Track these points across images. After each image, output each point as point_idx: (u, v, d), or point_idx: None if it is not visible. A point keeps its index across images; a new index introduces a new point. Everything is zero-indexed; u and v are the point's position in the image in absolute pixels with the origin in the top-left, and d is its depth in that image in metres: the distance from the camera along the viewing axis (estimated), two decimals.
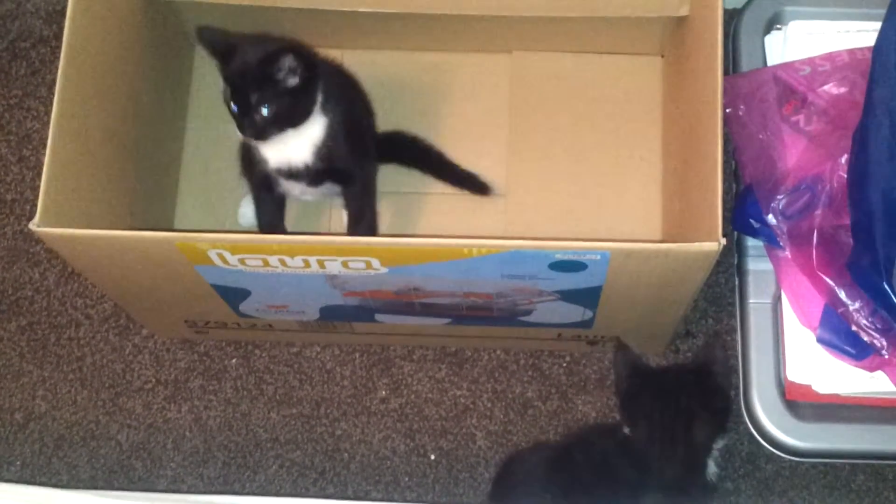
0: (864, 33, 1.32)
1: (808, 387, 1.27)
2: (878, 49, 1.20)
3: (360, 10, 1.27)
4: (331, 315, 1.25)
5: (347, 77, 1.33)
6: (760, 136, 1.29)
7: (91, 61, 1.13)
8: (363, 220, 1.28)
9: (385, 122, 1.36)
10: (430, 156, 1.36)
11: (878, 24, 1.22)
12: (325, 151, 1.21)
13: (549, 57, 1.41)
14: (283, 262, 1.06)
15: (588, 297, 1.13)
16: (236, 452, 1.36)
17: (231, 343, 1.39)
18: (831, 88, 1.28)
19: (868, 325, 1.21)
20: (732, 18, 1.40)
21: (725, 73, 1.10)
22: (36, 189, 1.05)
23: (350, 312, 1.23)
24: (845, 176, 1.21)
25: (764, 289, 1.30)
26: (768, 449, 1.29)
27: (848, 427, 1.27)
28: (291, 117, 1.17)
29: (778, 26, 1.38)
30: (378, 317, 1.25)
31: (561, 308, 1.17)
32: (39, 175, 1.04)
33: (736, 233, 1.33)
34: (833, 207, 1.21)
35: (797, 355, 1.27)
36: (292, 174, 1.22)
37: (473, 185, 1.35)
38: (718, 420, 1.15)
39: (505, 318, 1.23)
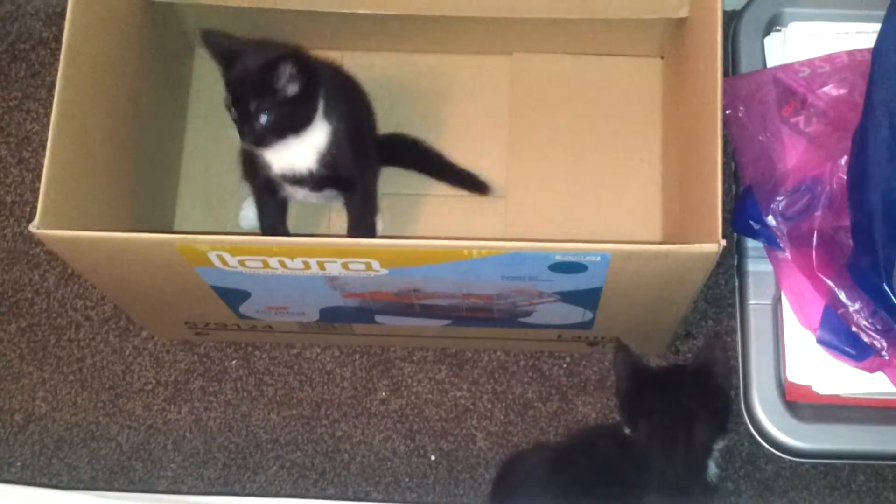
0: (863, 35, 1.32)
1: (809, 387, 1.27)
2: (877, 50, 1.20)
3: (360, 11, 1.27)
4: (331, 316, 1.25)
5: (349, 80, 1.33)
6: (760, 138, 1.29)
7: (91, 63, 1.13)
8: (363, 225, 1.29)
9: (385, 123, 1.36)
10: (429, 157, 1.36)
11: (877, 26, 1.22)
12: (329, 158, 1.21)
13: (549, 58, 1.41)
14: (282, 264, 1.06)
15: (588, 298, 1.13)
16: (236, 453, 1.36)
17: (231, 344, 1.39)
18: (831, 90, 1.28)
19: (868, 326, 1.21)
20: (732, 20, 1.40)
21: (725, 74, 1.10)
22: (36, 191, 1.06)
23: (350, 314, 1.23)
24: (845, 177, 1.21)
25: (764, 290, 1.30)
26: (768, 449, 1.29)
27: (848, 428, 1.27)
28: (291, 125, 1.17)
29: (777, 28, 1.38)
30: (378, 318, 1.25)
31: (561, 309, 1.17)
32: (39, 177, 1.04)
33: (736, 234, 1.33)
34: (833, 209, 1.21)
35: (797, 356, 1.27)
36: (296, 180, 1.22)
37: (473, 184, 1.35)
38: (719, 421, 1.15)
39: (505, 319, 1.23)
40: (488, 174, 1.36)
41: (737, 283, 1.34)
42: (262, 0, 1.28)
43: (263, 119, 1.14)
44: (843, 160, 1.21)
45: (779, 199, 1.25)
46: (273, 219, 1.29)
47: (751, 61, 1.37)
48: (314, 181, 1.23)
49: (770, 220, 1.25)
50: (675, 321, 1.23)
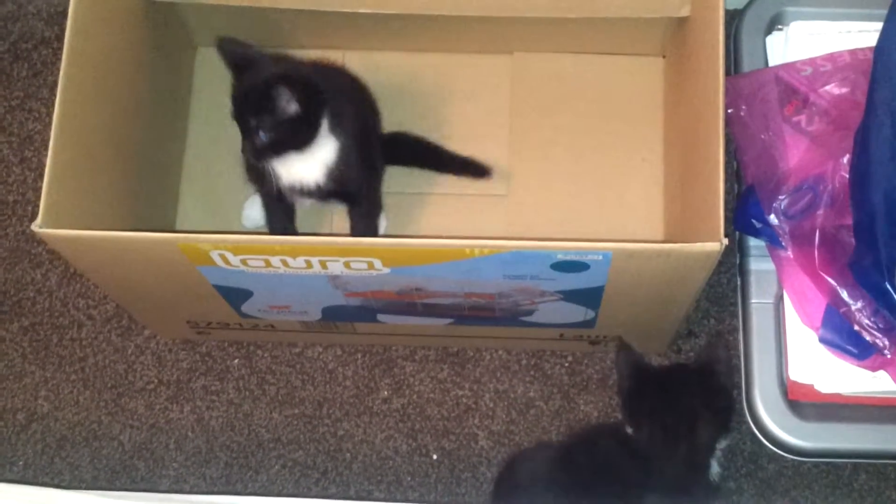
0: (865, 34, 1.32)
1: (811, 386, 1.27)
2: (879, 49, 1.20)
3: (361, 11, 1.27)
4: (333, 315, 1.25)
5: (354, 83, 1.32)
6: (762, 137, 1.29)
7: (93, 63, 1.13)
8: (366, 227, 1.29)
9: (386, 123, 1.36)
10: (429, 151, 1.36)
11: (879, 25, 1.22)
12: (337, 173, 1.21)
13: (550, 58, 1.41)
14: (285, 263, 1.06)
15: (590, 297, 1.13)
16: (238, 452, 1.36)
17: (233, 343, 1.39)
18: (833, 89, 1.28)
19: (870, 324, 1.21)
20: (734, 19, 1.40)
21: (727, 73, 1.10)
22: (38, 190, 1.05)
23: (352, 313, 1.23)
24: (847, 176, 1.21)
25: (766, 289, 1.30)
26: (770, 448, 1.29)
27: (850, 427, 1.27)
28: (291, 143, 1.17)
29: (779, 27, 1.38)
30: (380, 317, 1.25)
31: (563, 308, 1.17)
32: (41, 176, 1.04)
33: (738, 233, 1.33)
34: (835, 207, 1.21)
35: (799, 355, 1.27)
36: (304, 192, 1.23)
37: (475, 169, 1.35)
38: (721, 420, 1.15)
39: (507, 318, 1.23)
40: None
41: (739, 282, 1.34)
42: None
43: (262, 136, 1.14)
44: (845, 159, 1.21)
45: (781, 197, 1.25)
46: (282, 223, 1.29)
47: (752, 60, 1.37)
48: (321, 194, 1.23)
49: (772, 218, 1.25)
50: (677, 320, 1.23)
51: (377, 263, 1.05)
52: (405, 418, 1.36)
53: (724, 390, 1.16)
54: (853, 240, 1.19)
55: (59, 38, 1.45)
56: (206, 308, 1.24)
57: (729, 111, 1.30)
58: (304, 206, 1.30)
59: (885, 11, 1.21)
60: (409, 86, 1.41)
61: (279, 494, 1.34)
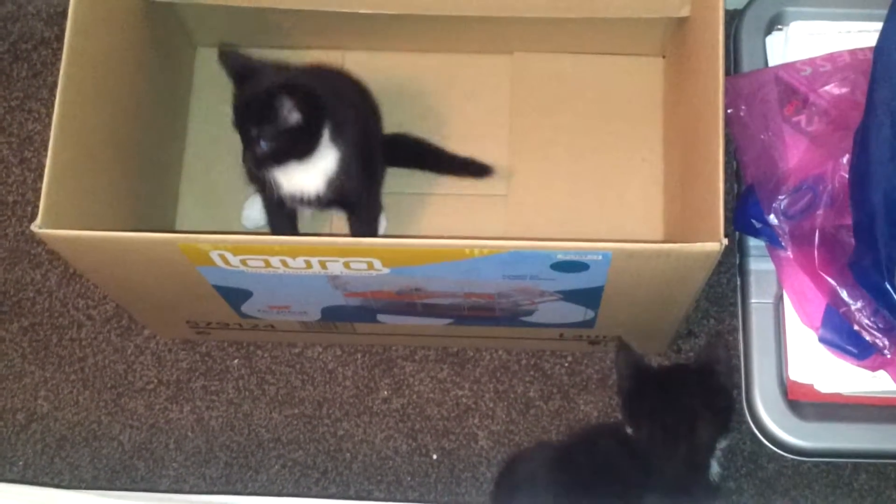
0: (865, 34, 1.32)
1: (810, 386, 1.27)
2: (879, 49, 1.20)
3: (361, 11, 1.27)
4: (332, 315, 1.25)
5: (354, 89, 1.32)
6: (762, 137, 1.29)
7: (92, 63, 1.13)
8: (365, 230, 1.29)
9: (386, 123, 1.36)
10: (429, 152, 1.36)
11: (879, 25, 1.22)
12: (338, 183, 1.21)
13: (550, 58, 1.41)
14: (284, 263, 1.06)
15: (590, 297, 1.13)
16: (238, 452, 1.36)
17: (233, 343, 1.39)
18: (833, 89, 1.28)
19: (870, 324, 1.21)
20: (733, 19, 1.40)
21: (727, 73, 1.10)
22: (37, 191, 1.05)
23: (352, 313, 1.23)
24: (847, 176, 1.21)
25: (766, 289, 1.30)
26: (770, 448, 1.29)
27: (850, 426, 1.27)
28: (292, 152, 1.17)
29: (779, 27, 1.38)
30: (380, 317, 1.25)
31: (563, 308, 1.17)
32: (41, 177, 1.04)
33: (737, 233, 1.33)
34: (835, 207, 1.21)
35: (799, 355, 1.27)
36: (304, 201, 1.23)
37: (475, 169, 1.35)
38: (721, 420, 1.15)
39: (507, 318, 1.23)
40: None
41: (738, 282, 1.34)
42: None
43: (263, 145, 1.14)
44: (845, 159, 1.21)
45: (780, 197, 1.25)
46: (284, 227, 1.29)
47: (752, 60, 1.37)
48: (321, 202, 1.23)
49: (772, 218, 1.25)
50: (677, 320, 1.23)
51: (377, 263, 1.05)
52: (405, 418, 1.36)
53: (723, 390, 1.16)
54: (853, 240, 1.19)
55: (59, 38, 1.45)
56: (205, 308, 1.24)
57: (729, 111, 1.30)
58: (304, 214, 1.31)
59: (884, 11, 1.21)
60: (409, 86, 1.41)
61: (279, 494, 1.34)
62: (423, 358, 1.38)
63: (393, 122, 1.37)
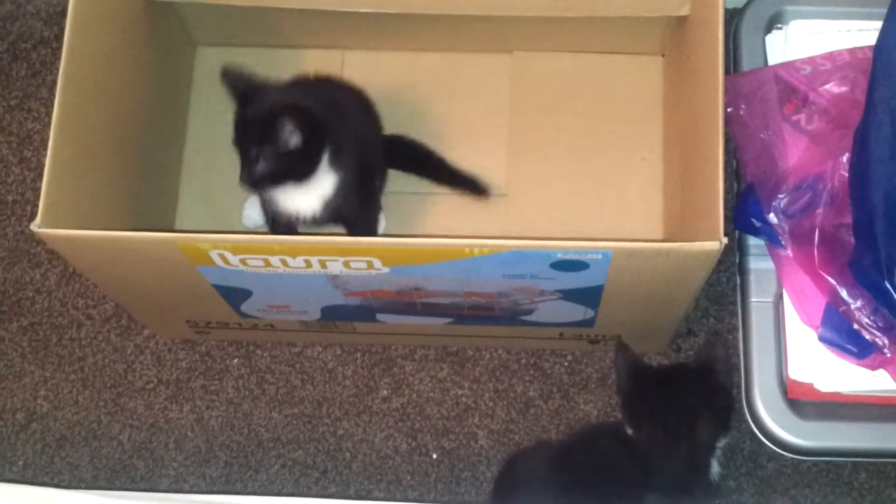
0: (865, 32, 1.32)
1: (810, 385, 1.27)
2: (879, 48, 1.20)
3: (361, 10, 1.27)
4: (332, 315, 1.25)
5: (355, 98, 1.31)
6: (762, 136, 1.29)
7: (92, 62, 1.13)
8: (364, 230, 1.29)
9: (386, 123, 1.36)
10: (430, 160, 1.36)
11: (879, 24, 1.22)
12: (335, 205, 1.21)
13: (549, 57, 1.41)
14: (284, 263, 1.06)
15: (589, 296, 1.13)
16: (238, 452, 1.36)
17: (232, 343, 1.39)
18: (832, 87, 1.28)
19: (870, 323, 1.21)
20: (733, 18, 1.40)
21: (726, 72, 1.10)
22: (37, 190, 1.05)
23: (351, 312, 1.23)
24: (846, 175, 1.21)
25: (765, 287, 1.30)
26: (770, 447, 1.29)
27: (850, 425, 1.27)
28: (291, 174, 1.17)
29: (779, 25, 1.38)
30: (379, 316, 1.25)
31: (562, 307, 1.17)
32: (40, 176, 1.04)
33: (737, 232, 1.33)
34: (834, 206, 1.21)
35: (799, 354, 1.27)
36: (300, 220, 1.22)
37: (473, 187, 1.34)
38: (721, 418, 1.15)
39: (506, 317, 1.23)
40: (489, 172, 1.36)
41: (738, 281, 1.34)
42: None
43: (261, 166, 1.14)
44: (845, 158, 1.21)
45: (780, 196, 1.25)
46: (284, 232, 1.29)
47: (752, 59, 1.37)
48: (318, 222, 1.23)
49: (772, 217, 1.25)
50: (677, 319, 1.23)
51: (376, 263, 1.05)
52: (405, 417, 1.36)
53: (723, 389, 1.16)
54: (853, 239, 1.19)
55: (59, 37, 1.44)
56: (205, 308, 1.24)
57: (728, 110, 1.30)
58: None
59: (884, 10, 1.21)
60: (409, 85, 1.41)
61: (279, 494, 1.34)
62: (422, 357, 1.37)
63: (393, 121, 1.37)
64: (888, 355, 1.21)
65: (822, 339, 1.24)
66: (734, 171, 1.38)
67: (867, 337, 1.21)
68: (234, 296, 1.18)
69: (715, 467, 1.15)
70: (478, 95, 1.41)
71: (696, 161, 1.14)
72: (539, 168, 1.38)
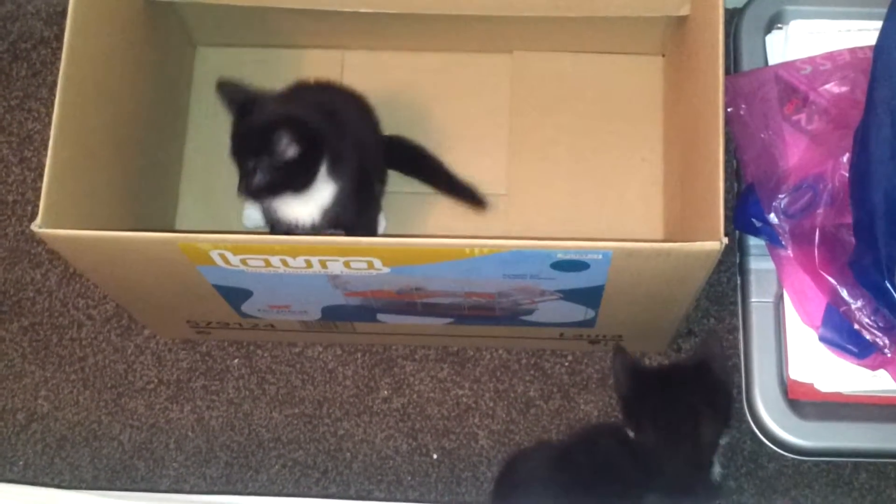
0: (865, 32, 1.32)
1: (811, 385, 1.27)
2: (879, 48, 1.20)
3: (361, 10, 1.27)
4: (333, 315, 1.25)
5: (354, 103, 1.31)
6: (762, 136, 1.29)
7: (92, 62, 1.13)
8: (364, 230, 1.29)
9: (386, 123, 1.36)
10: (429, 166, 1.35)
11: (879, 23, 1.22)
12: (333, 214, 1.21)
13: (549, 57, 1.41)
14: (285, 263, 1.06)
15: (590, 296, 1.13)
16: (238, 452, 1.36)
17: (233, 343, 1.39)
18: (832, 87, 1.28)
19: (870, 323, 1.21)
20: (733, 17, 1.40)
21: (726, 72, 1.10)
22: (37, 190, 1.05)
23: (352, 312, 1.23)
24: (847, 175, 1.21)
25: (766, 288, 1.30)
26: (771, 447, 1.29)
27: (850, 425, 1.27)
28: (288, 185, 1.16)
29: (779, 25, 1.38)
30: (380, 316, 1.25)
31: (563, 307, 1.17)
32: (41, 176, 1.04)
33: (738, 232, 1.33)
34: (835, 206, 1.21)
35: (799, 354, 1.27)
36: (299, 228, 1.22)
37: (471, 198, 1.33)
38: (722, 416, 1.15)
39: (507, 317, 1.23)
40: (489, 172, 1.36)
41: (739, 281, 1.34)
42: None
43: (259, 178, 1.14)
44: (845, 158, 1.21)
45: (781, 196, 1.25)
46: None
47: (752, 59, 1.37)
48: (317, 230, 1.23)
49: (772, 217, 1.25)
50: (677, 319, 1.23)
51: (377, 263, 1.05)
52: (405, 418, 1.36)
53: (722, 386, 1.16)
54: (853, 239, 1.19)
55: (59, 37, 1.44)
56: (205, 308, 1.24)
57: (729, 110, 1.30)
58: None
59: (884, 10, 1.21)
60: (409, 85, 1.41)
61: (279, 494, 1.34)
62: (423, 357, 1.37)
63: (392, 121, 1.37)
64: (889, 355, 1.21)
65: (822, 339, 1.24)
66: (734, 171, 1.37)
67: (867, 337, 1.21)
68: (235, 296, 1.18)
69: (716, 467, 1.15)
70: (478, 95, 1.41)
71: (697, 161, 1.14)
72: (539, 168, 1.38)
